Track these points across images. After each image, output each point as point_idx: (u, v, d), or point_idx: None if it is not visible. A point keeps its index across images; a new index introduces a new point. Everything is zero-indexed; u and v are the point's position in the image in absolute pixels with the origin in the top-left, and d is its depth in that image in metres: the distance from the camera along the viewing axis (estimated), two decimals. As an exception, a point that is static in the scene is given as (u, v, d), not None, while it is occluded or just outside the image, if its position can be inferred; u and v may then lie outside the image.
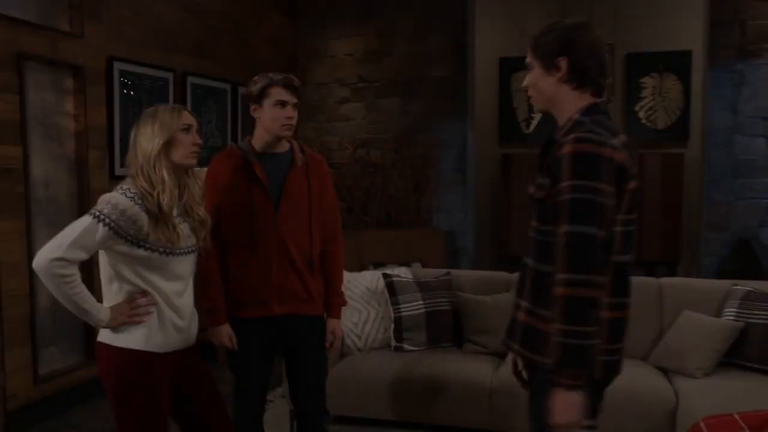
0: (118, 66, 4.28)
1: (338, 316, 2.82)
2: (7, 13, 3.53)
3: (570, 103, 1.88)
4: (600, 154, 1.71)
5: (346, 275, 3.82)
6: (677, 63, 5.29)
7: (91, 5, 4.06)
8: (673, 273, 5.29)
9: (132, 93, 4.43)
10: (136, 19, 4.45)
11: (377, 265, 5.29)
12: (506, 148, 5.61)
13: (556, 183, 1.75)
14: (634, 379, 3.18)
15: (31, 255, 3.65)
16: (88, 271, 2.93)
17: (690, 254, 5.35)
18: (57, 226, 3.84)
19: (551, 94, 1.90)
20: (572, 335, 1.66)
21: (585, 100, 1.87)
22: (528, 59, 1.94)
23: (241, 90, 5.53)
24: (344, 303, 2.87)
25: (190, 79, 4.98)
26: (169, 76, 4.75)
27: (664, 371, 3.39)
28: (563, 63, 1.85)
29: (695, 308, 3.51)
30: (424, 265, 5.43)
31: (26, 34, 3.63)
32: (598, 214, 1.68)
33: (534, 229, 1.87)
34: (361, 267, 5.44)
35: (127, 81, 4.39)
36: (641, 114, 5.56)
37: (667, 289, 3.66)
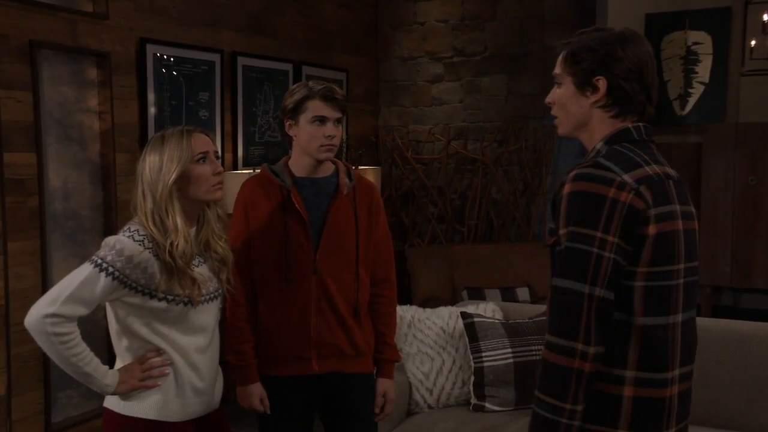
0: (151, 50, 4.43)
1: (390, 376, 2.87)
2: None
3: (601, 130, 1.89)
4: (601, 194, 1.74)
5: (416, 312, 3.82)
6: None
7: (117, -22, 4.21)
8: None
9: (169, 82, 4.58)
10: (173, -9, 4.58)
11: (471, 291, 5.24)
12: (653, 134, 5.41)
13: (557, 228, 1.81)
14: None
15: (46, 280, 3.84)
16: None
17: None
18: (78, 244, 4.09)
19: (583, 119, 1.92)
20: (545, 407, 1.76)
21: (617, 126, 1.88)
22: (557, 71, 1.94)
23: (307, 70, 5.61)
24: (398, 359, 2.91)
25: (241, 61, 5.08)
26: (216, 58, 4.87)
27: None
28: (601, 84, 1.85)
29: None
30: (533, 292, 5.33)
31: (39, 18, 3.79)
32: (591, 267, 1.72)
33: None
34: (451, 292, 5.41)
35: (164, 67, 4.53)
36: None
37: None
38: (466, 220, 6.14)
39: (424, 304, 4.88)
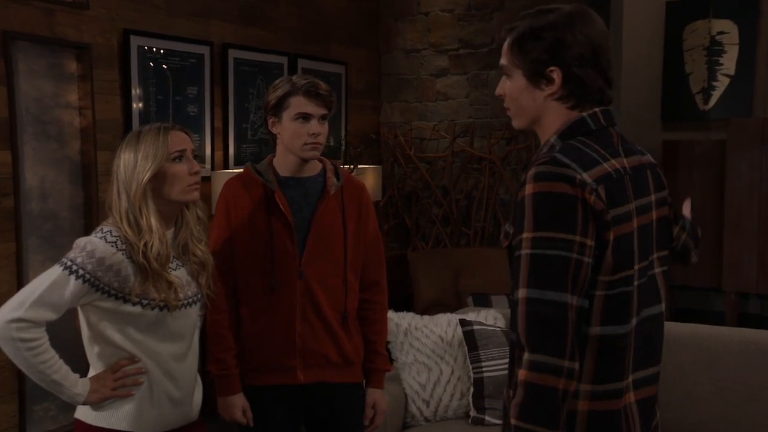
0: (136, 41, 4.43)
1: (380, 386, 2.89)
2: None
3: (557, 122, 1.83)
4: (569, 194, 1.67)
5: (413, 319, 3.83)
6: None
7: (98, -35, 4.22)
8: None
9: (155, 76, 4.59)
10: (158, -20, 4.60)
11: (477, 297, 5.24)
12: (673, 131, 5.38)
13: (518, 231, 1.72)
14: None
15: (22, 285, 3.85)
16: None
17: None
18: (56, 247, 4.11)
19: (537, 112, 1.85)
20: None
21: (573, 116, 1.81)
22: (503, 61, 1.88)
23: (303, 63, 5.62)
24: (388, 368, 2.93)
25: (232, 53, 5.08)
26: (205, 50, 4.87)
27: None
28: (556, 75, 1.79)
29: None
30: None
31: (14, 7, 3.80)
32: (570, 275, 1.66)
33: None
34: (456, 299, 5.41)
35: (149, 60, 4.54)
36: None
37: None
38: (472, 222, 6.12)
39: (426, 311, 4.89)
